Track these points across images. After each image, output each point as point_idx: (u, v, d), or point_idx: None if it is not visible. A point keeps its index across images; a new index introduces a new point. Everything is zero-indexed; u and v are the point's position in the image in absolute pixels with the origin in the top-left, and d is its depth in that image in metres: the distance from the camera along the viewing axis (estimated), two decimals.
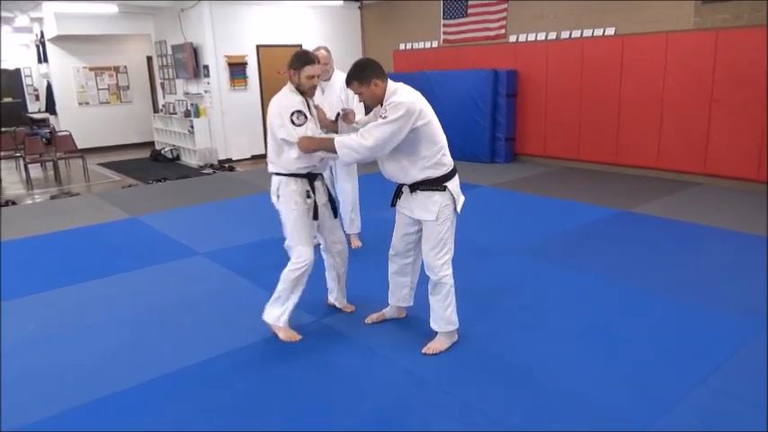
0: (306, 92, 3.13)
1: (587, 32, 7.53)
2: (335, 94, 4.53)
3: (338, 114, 3.27)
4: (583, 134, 7.70)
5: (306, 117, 3.03)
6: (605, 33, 7.35)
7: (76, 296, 4.02)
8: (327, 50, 4.51)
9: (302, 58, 3.13)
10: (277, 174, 3.18)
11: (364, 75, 2.87)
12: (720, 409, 2.51)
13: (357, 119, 3.32)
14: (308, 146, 2.99)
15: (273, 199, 3.22)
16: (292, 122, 3.00)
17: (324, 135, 3.09)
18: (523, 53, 8.24)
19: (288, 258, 3.21)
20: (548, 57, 7.92)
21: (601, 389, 2.69)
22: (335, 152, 2.86)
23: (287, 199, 3.14)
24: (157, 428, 2.50)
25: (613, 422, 2.44)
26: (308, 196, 3.18)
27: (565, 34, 7.79)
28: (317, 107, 3.26)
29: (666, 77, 6.72)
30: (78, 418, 2.60)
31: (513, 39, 8.44)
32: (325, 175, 4.77)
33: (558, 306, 3.60)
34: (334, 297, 3.65)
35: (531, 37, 8.19)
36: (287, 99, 3.10)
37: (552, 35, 7.94)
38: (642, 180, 7.02)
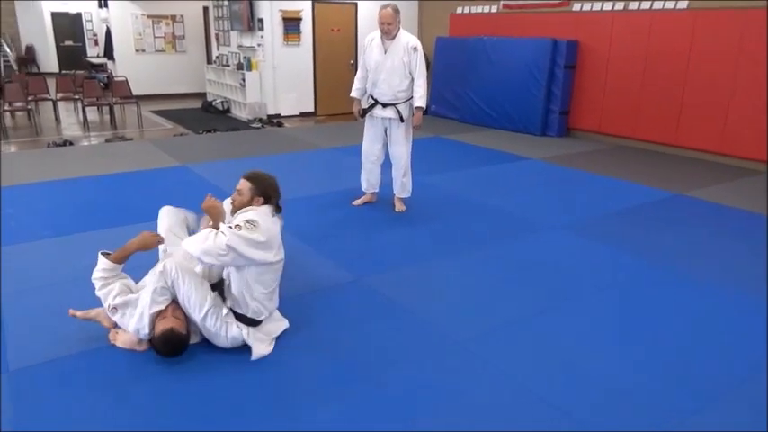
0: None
1: (657, 5, 7.15)
2: (398, 55, 4.44)
3: None
4: (642, 112, 7.39)
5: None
6: (677, 6, 6.96)
7: (123, 237, 4.13)
8: (395, 9, 4.35)
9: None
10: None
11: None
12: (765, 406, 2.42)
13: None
14: None
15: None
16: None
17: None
18: (586, 23, 7.90)
19: None
20: (612, 28, 7.58)
21: (639, 375, 2.62)
22: None
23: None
24: (179, 376, 2.58)
25: (651, 411, 2.38)
26: None
27: (633, 5, 7.41)
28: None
29: (740, 57, 6.35)
30: (98, 357, 2.68)
31: (576, 7, 8.09)
32: (379, 134, 4.74)
33: (600, 286, 3.52)
34: None
35: (597, 6, 7.83)
36: None
37: (619, 5, 7.57)
38: (702, 164, 6.72)
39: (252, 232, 2.54)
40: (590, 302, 3.31)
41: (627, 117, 7.58)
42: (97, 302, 2.84)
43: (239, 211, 2.73)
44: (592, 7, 7.89)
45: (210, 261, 2.56)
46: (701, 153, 6.92)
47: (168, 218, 3.13)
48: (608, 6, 7.69)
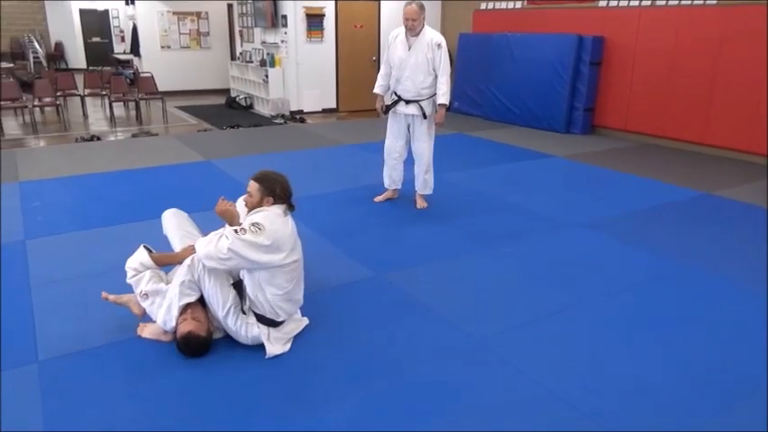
0: None
1: (685, 1, 7.01)
2: (423, 51, 4.42)
3: None
4: (669, 109, 7.26)
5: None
6: (706, 2, 6.81)
7: (148, 232, 4.19)
8: (420, 6, 4.33)
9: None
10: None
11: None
12: None
13: None
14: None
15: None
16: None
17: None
18: (613, 19, 7.78)
19: None
20: (639, 24, 7.45)
21: (660, 376, 2.58)
22: None
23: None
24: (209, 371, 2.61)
25: (672, 412, 2.35)
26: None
27: (660, 1, 7.28)
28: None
29: None
30: (124, 349, 2.72)
31: (602, 3, 7.97)
32: (402, 131, 4.73)
33: (623, 286, 3.47)
34: None
35: (623, 2, 7.70)
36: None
37: (646, 1, 7.43)
38: (731, 163, 6.57)
39: (257, 236, 2.52)
40: (612, 301, 3.26)
41: (654, 114, 7.45)
42: (125, 292, 2.90)
43: (251, 213, 2.73)
44: (618, 3, 7.76)
45: (213, 265, 2.56)
46: (731, 152, 6.77)
47: (174, 218, 3.13)
48: (635, 2, 7.56)
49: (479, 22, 9.82)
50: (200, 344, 2.61)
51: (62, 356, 2.63)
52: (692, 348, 2.81)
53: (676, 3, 7.09)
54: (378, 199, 4.97)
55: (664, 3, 7.23)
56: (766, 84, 6.22)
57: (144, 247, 2.87)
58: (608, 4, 7.89)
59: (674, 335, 2.93)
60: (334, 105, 10.51)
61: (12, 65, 13.61)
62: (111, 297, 2.88)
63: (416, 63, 4.44)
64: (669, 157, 6.86)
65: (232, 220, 2.71)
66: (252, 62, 10.92)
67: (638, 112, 7.65)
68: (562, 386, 2.49)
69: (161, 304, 2.70)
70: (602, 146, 7.45)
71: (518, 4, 9.21)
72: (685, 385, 2.52)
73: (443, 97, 4.47)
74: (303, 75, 10.02)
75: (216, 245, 2.51)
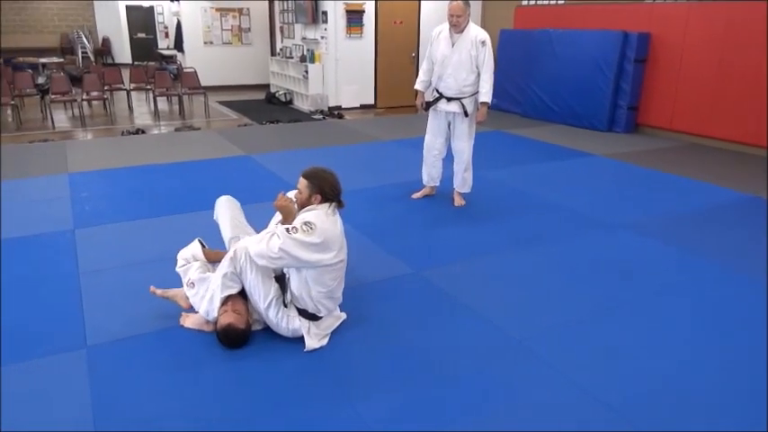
0: None
1: None
2: (466, 48, 4.38)
3: None
4: (718, 108, 7.02)
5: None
6: None
7: (190, 224, 4.28)
8: (465, 3, 4.29)
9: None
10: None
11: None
12: None
13: None
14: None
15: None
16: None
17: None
18: (660, 15, 7.56)
19: None
20: (688, 20, 7.23)
21: (701, 379, 2.52)
22: None
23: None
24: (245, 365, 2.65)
25: (712, 417, 2.29)
26: None
27: None
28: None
29: None
30: (167, 338, 2.79)
31: None
32: (443, 128, 4.71)
33: (664, 289, 3.38)
34: None
35: None
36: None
37: None
38: None
39: (308, 235, 2.54)
40: (653, 304, 3.18)
41: (701, 113, 7.22)
42: (168, 285, 2.97)
43: (302, 210, 2.75)
44: None
45: (264, 263, 2.59)
46: None
47: (228, 208, 3.20)
48: None
49: (521, 19, 9.69)
50: (238, 336, 2.66)
51: (109, 342, 2.71)
52: (734, 352, 2.72)
53: None
54: (415, 196, 4.96)
55: None
56: (766, 82, 6.21)
57: (198, 240, 2.97)
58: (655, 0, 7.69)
59: (716, 339, 2.84)
60: (372, 101, 10.53)
61: (62, 60, 14.08)
62: (159, 291, 2.96)
63: (459, 60, 4.41)
64: (716, 158, 6.65)
65: (289, 215, 2.74)
66: (292, 58, 11.02)
67: (685, 111, 7.43)
68: (601, 388, 2.44)
69: (204, 295, 2.76)
70: (645, 145, 7.27)
71: (561, 1, 9.04)
72: (727, 390, 2.45)
73: (486, 95, 4.43)
74: (342, 71, 10.07)
75: (267, 244, 2.54)
